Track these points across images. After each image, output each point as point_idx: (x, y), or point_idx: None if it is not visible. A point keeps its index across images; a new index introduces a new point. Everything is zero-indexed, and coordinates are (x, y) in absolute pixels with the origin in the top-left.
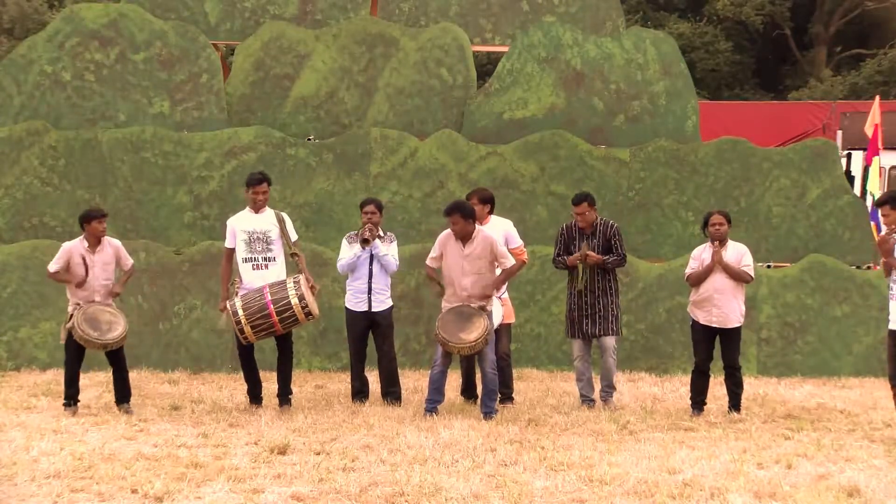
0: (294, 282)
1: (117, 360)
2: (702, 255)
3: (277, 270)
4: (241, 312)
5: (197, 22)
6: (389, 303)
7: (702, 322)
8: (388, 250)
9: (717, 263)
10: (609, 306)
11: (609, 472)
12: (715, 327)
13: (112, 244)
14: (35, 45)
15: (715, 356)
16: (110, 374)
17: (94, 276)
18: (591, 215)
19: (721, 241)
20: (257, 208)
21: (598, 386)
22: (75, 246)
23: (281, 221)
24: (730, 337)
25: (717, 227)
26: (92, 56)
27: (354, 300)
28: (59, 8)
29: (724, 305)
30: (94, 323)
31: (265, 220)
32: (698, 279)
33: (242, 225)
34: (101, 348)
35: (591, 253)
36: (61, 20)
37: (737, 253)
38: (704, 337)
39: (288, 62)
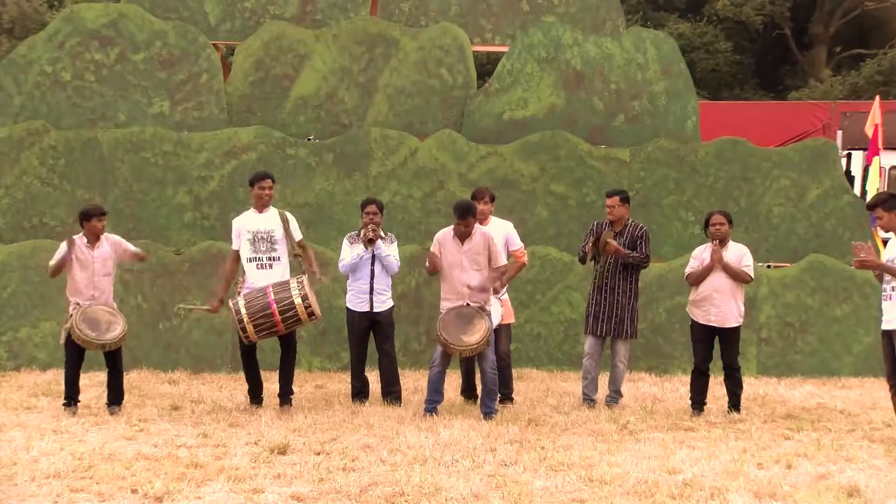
0: (297, 282)
1: (114, 361)
2: (702, 254)
3: (281, 270)
4: (243, 311)
5: (197, 22)
6: (391, 303)
7: (700, 321)
8: (390, 251)
9: (717, 262)
10: (626, 307)
11: (609, 472)
12: (714, 327)
13: (111, 240)
14: (35, 45)
15: (715, 356)
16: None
17: (93, 271)
18: (619, 210)
19: (722, 241)
20: (262, 206)
21: (604, 387)
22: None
23: (285, 221)
24: (728, 337)
25: (718, 227)
26: (92, 56)
27: (356, 300)
28: (59, 8)
29: (722, 305)
30: (93, 323)
31: (270, 220)
32: (698, 278)
33: (247, 225)
34: (100, 348)
35: (611, 241)
36: (61, 20)
37: (737, 253)
38: (704, 337)
39: (288, 62)
